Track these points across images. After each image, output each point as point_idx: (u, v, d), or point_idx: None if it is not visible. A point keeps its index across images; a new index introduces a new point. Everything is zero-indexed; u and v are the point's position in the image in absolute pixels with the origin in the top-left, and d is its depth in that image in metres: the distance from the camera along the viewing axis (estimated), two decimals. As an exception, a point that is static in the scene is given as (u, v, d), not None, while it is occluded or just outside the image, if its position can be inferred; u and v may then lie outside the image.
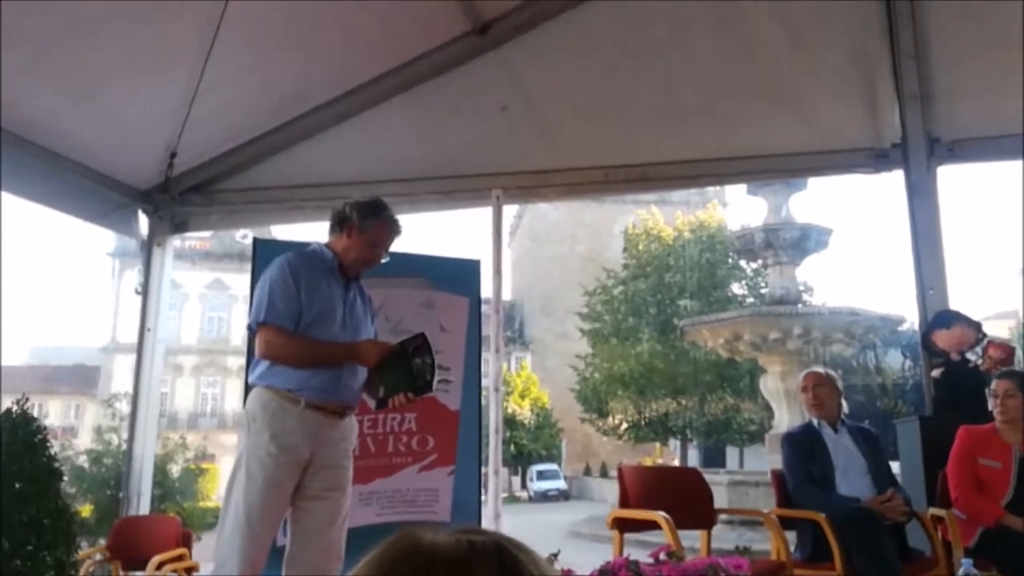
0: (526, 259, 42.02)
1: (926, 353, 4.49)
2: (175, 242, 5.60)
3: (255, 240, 4.52)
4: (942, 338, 4.30)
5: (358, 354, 2.81)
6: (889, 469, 3.80)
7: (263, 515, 2.67)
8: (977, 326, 4.34)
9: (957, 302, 4.52)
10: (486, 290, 4.82)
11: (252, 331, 2.85)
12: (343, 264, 2.92)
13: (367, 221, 2.88)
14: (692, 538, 3.66)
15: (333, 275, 2.89)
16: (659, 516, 3.25)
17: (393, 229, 2.95)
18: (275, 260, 2.88)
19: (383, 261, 3.01)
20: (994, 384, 3.62)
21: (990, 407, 3.61)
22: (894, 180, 4.76)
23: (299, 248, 3.01)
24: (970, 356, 4.29)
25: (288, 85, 5.02)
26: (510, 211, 40.59)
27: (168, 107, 4.60)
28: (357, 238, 2.89)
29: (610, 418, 28.59)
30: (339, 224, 2.93)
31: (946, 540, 3.39)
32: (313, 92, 5.13)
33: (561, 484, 31.54)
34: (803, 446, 3.74)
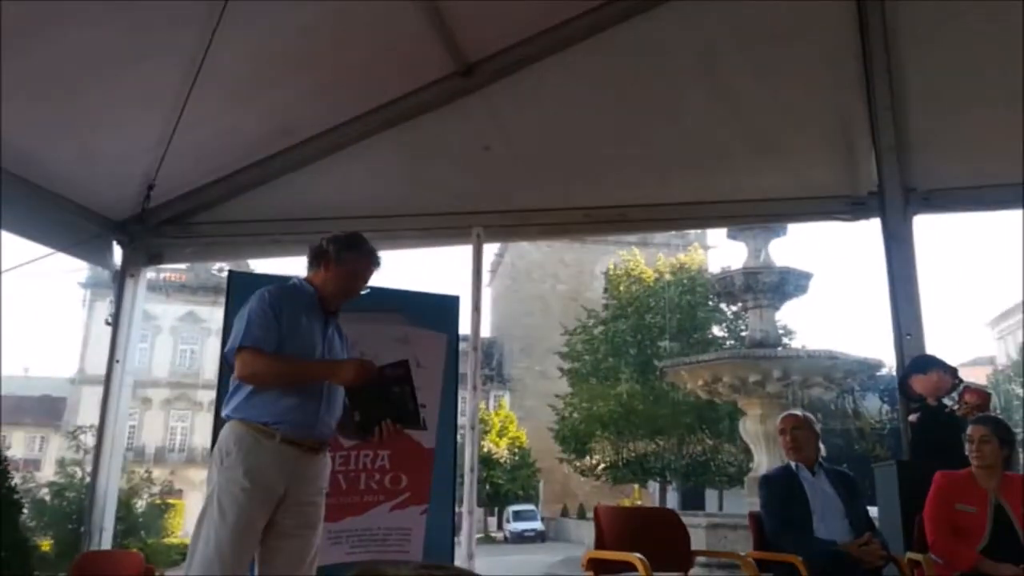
0: (506, 297, 42.06)
1: (903, 398, 4.51)
2: (149, 273, 5.53)
3: (231, 273, 4.48)
4: (919, 383, 4.32)
5: (339, 371, 2.75)
6: (866, 513, 3.79)
7: (234, 553, 2.59)
8: (953, 372, 4.37)
9: (934, 348, 4.56)
10: (465, 327, 4.80)
11: (229, 361, 2.78)
12: (323, 298, 2.89)
13: (345, 254, 2.87)
14: (669, 582, 3.61)
15: (313, 310, 2.86)
16: (635, 557, 3.20)
17: (372, 261, 2.93)
18: (256, 292, 2.84)
19: (363, 293, 2.98)
20: (970, 429, 3.62)
21: (966, 452, 3.61)
22: (872, 227, 4.84)
23: (279, 282, 2.98)
24: (947, 401, 4.31)
25: (271, 121, 5.02)
26: (492, 249, 40.86)
27: (148, 139, 4.58)
28: (335, 271, 2.86)
29: (588, 458, 28.41)
30: (316, 259, 2.91)
31: (923, 586, 3.37)
32: (296, 128, 5.13)
33: (538, 525, 31.17)
34: (781, 488, 3.72)
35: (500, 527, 32.72)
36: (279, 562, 2.70)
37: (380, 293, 3.95)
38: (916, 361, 4.41)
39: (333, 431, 2.86)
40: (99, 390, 5.34)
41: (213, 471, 2.71)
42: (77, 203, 4.86)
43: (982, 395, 4.39)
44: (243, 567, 2.65)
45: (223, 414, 2.81)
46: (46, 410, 34.26)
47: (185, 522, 23.29)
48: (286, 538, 2.71)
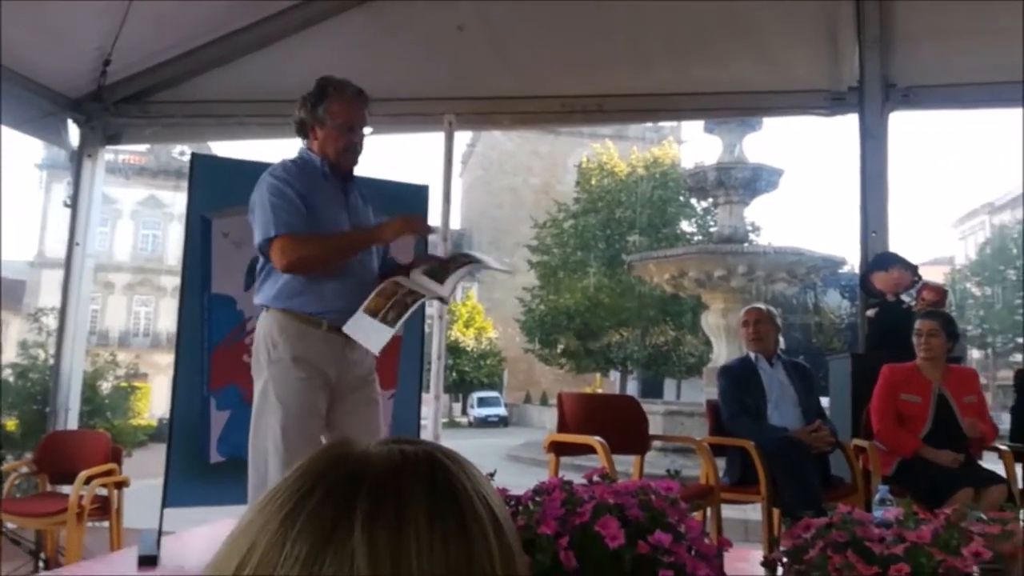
0: (477, 188, 41.69)
1: (863, 293, 4.62)
2: (108, 155, 5.35)
3: (194, 155, 4.32)
4: (880, 279, 4.41)
5: (385, 231, 2.64)
6: (818, 402, 3.95)
7: (307, 442, 2.48)
8: (914, 269, 4.46)
9: (898, 246, 4.64)
10: (434, 218, 4.74)
11: (264, 252, 2.58)
12: (331, 164, 2.66)
13: (320, 108, 2.62)
14: (626, 463, 3.77)
15: (328, 180, 2.66)
16: (594, 440, 3.32)
17: (357, 102, 2.66)
18: (263, 177, 2.62)
19: (368, 133, 2.72)
20: (918, 323, 3.74)
21: (914, 344, 3.74)
22: (847, 123, 4.80)
23: (284, 160, 2.71)
24: (905, 298, 4.42)
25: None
26: (463, 138, 40.12)
27: (103, 10, 4.31)
28: (324, 132, 2.63)
29: (553, 348, 29.04)
30: (300, 131, 2.69)
31: (866, 469, 3.56)
32: (261, 3, 4.86)
33: (501, 411, 32.18)
34: (739, 378, 3.85)
35: (465, 412, 33.70)
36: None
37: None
38: (878, 258, 4.48)
39: None
40: (59, 273, 5.26)
41: (261, 362, 2.58)
42: (28, 78, 4.61)
43: (939, 292, 4.50)
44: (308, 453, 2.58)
45: (257, 302, 2.66)
46: (5, 293, 33.71)
47: (152, 404, 23.63)
48: (347, 415, 2.65)
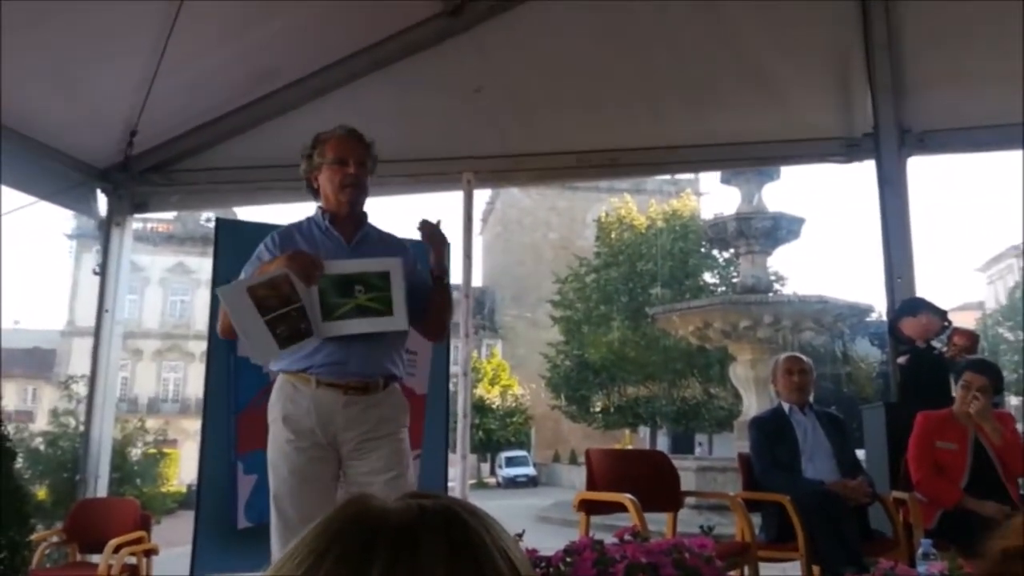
0: (497, 245, 41.95)
1: (893, 340, 4.54)
2: (135, 223, 5.48)
3: (218, 221, 4.43)
4: (908, 326, 4.34)
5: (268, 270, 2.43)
6: (853, 453, 3.85)
7: (296, 509, 2.41)
8: (943, 314, 4.39)
9: (924, 291, 4.57)
10: (455, 275, 4.76)
11: None
12: (336, 217, 2.63)
13: (314, 155, 2.63)
14: (659, 522, 3.67)
15: (328, 234, 2.62)
16: (625, 498, 3.25)
17: (341, 137, 2.63)
18: None
19: (368, 169, 2.65)
20: (968, 376, 3.58)
21: (954, 394, 3.64)
22: (865, 170, 4.80)
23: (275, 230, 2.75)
24: (935, 344, 4.33)
25: (255, 63, 4.90)
26: (482, 196, 40.55)
27: (129, 84, 4.47)
28: (322, 178, 2.61)
29: (580, 405, 28.74)
30: (309, 187, 2.69)
31: (907, 522, 3.44)
32: (282, 71, 5.02)
33: (530, 470, 31.67)
34: (770, 430, 3.77)
35: (493, 473, 33.23)
36: None
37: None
38: (906, 304, 4.42)
39: (381, 364, 2.55)
40: (89, 341, 5.32)
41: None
42: (59, 150, 4.76)
43: (971, 337, 4.42)
44: (309, 521, 2.39)
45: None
46: (36, 362, 34.29)
47: (180, 471, 23.60)
48: (358, 487, 2.47)
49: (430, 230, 2.63)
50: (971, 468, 3.48)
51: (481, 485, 28.93)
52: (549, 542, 2.48)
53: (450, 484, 4.78)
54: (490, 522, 0.52)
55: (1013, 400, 29.32)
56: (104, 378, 4.99)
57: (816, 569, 3.35)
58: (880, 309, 9.35)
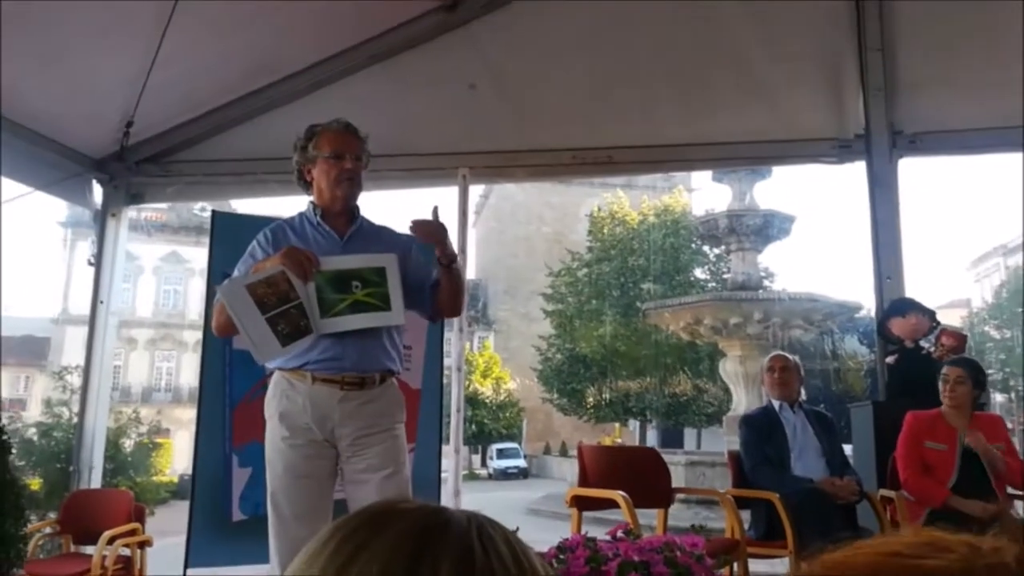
0: (491, 239, 41.95)
1: (881, 340, 4.58)
2: (130, 213, 5.46)
3: (214, 213, 4.43)
4: (897, 325, 4.38)
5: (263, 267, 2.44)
6: (842, 451, 3.90)
7: (291, 505, 2.42)
8: (931, 314, 4.44)
9: (913, 290, 4.62)
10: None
11: None
12: (329, 211, 2.61)
13: (308, 147, 2.60)
14: (649, 516, 3.72)
15: (321, 229, 2.60)
16: (617, 495, 3.29)
17: (338, 131, 2.60)
18: None
19: (363, 163, 2.62)
20: (945, 369, 3.71)
21: (940, 392, 3.70)
22: (856, 170, 4.84)
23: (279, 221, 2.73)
24: (924, 344, 4.38)
25: (252, 56, 4.90)
26: (476, 190, 40.51)
27: (126, 74, 4.46)
28: (317, 173, 2.59)
29: (571, 398, 28.85)
30: (300, 180, 2.66)
31: (894, 520, 3.49)
32: (279, 63, 5.02)
33: (521, 462, 31.78)
34: (761, 428, 3.82)
35: (484, 464, 33.33)
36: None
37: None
38: (895, 304, 4.47)
39: (379, 359, 2.54)
40: (83, 330, 5.33)
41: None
42: (55, 140, 4.75)
43: (959, 337, 4.47)
44: (308, 522, 2.40)
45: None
46: (30, 350, 34.13)
47: (173, 461, 23.58)
48: (354, 484, 2.48)
49: (425, 228, 2.55)
50: (959, 468, 3.54)
51: (472, 476, 29.03)
52: (540, 536, 2.51)
53: (443, 475, 4.82)
54: (511, 535, 0.55)
55: (998, 397, 29.60)
56: (98, 368, 4.99)
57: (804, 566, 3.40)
58: (869, 307, 9.44)
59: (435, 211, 2.62)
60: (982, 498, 3.40)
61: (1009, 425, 4.24)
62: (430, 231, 2.56)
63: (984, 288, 37.13)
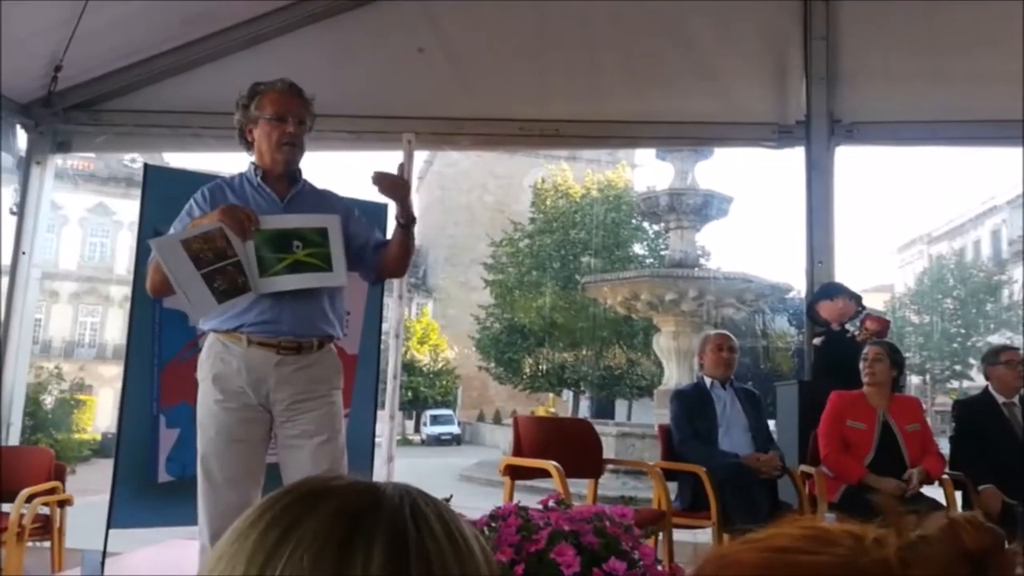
0: (434, 206, 41.63)
1: (810, 321, 4.74)
2: (56, 161, 5.23)
3: (146, 166, 4.27)
4: (825, 308, 4.54)
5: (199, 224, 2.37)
6: (767, 428, 4.05)
7: (221, 469, 2.37)
8: (858, 299, 4.61)
9: (842, 275, 4.79)
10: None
11: None
12: (270, 173, 2.54)
13: (252, 106, 2.52)
14: (580, 486, 3.80)
15: (261, 190, 2.53)
16: (550, 465, 3.35)
17: (282, 91, 2.52)
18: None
19: (307, 126, 2.55)
20: (865, 349, 3.90)
21: (861, 371, 3.86)
22: (795, 156, 4.96)
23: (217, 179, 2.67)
24: (849, 327, 4.55)
25: (188, 6, 4.70)
26: (420, 156, 40.00)
27: (56, 16, 4.23)
28: (258, 131, 2.51)
29: (508, 368, 29.08)
30: (241, 138, 2.58)
31: (812, 495, 3.65)
32: (218, 13, 4.82)
33: (454, 429, 32.03)
34: (691, 403, 3.93)
35: (417, 430, 33.44)
36: (287, 477, 2.36)
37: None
38: (824, 287, 4.62)
39: (316, 324, 2.49)
40: (3, 281, 5.10)
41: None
42: (-25, 82, 4.50)
43: (882, 322, 4.65)
44: (238, 486, 2.37)
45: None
46: (-58, 300, 32.50)
47: (96, 418, 22.92)
48: (288, 449, 2.44)
49: (390, 181, 2.52)
50: (876, 447, 3.71)
51: (406, 442, 29.09)
52: (473, 503, 2.53)
53: (377, 441, 4.81)
54: (442, 506, 0.55)
55: (914, 379, 31.03)
56: (19, 323, 4.79)
57: (726, 536, 3.53)
58: (799, 290, 9.75)
59: (401, 167, 2.59)
60: (896, 475, 3.58)
61: (924, 406, 4.46)
62: (395, 186, 2.53)
63: (907, 274, 38.70)
